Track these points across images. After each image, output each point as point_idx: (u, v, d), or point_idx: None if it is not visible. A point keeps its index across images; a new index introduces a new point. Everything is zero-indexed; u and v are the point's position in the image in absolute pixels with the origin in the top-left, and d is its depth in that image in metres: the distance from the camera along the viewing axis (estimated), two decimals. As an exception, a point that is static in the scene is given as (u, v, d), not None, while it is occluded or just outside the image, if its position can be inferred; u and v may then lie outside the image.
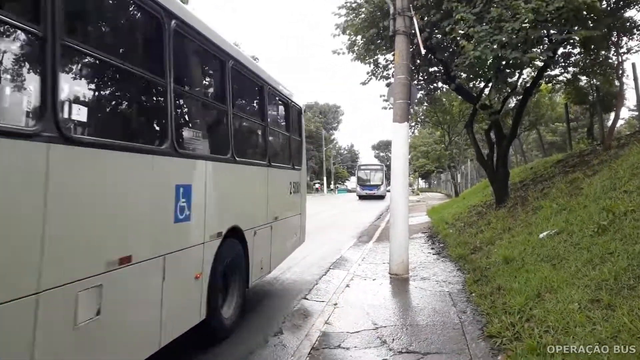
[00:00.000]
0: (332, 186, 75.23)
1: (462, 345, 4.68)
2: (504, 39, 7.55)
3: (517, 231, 8.41)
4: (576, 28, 8.39)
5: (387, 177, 42.83)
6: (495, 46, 7.70)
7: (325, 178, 73.31)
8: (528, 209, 9.46)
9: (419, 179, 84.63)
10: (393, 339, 4.97)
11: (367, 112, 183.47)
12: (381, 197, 42.63)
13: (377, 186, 45.23)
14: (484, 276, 6.86)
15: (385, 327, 5.40)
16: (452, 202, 22.93)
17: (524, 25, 7.51)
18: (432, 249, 10.98)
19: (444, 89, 13.37)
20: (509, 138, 12.02)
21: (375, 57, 11.45)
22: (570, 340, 3.91)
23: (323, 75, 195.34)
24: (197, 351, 4.80)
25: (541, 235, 7.12)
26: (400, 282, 7.74)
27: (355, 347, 4.82)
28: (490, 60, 8.12)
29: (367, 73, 11.93)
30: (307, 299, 7.12)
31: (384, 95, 11.62)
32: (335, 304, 6.44)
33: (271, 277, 8.54)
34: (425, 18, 9.08)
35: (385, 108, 11.95)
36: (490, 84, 10.60)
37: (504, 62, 9.21)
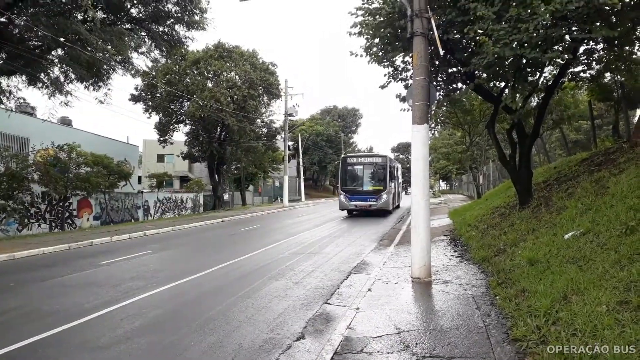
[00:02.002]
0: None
1: (487, 349, 4.61)
2: (523, 38, 7.44)
3: (541, 232, 8.26)
4: (598, 23, 8.21)
5: (397, 178, 30.08)
6: (514, 45, 7.59)
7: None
8: (552, 209, 9.28)
9: (440, 180, 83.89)
10: (416, 343, 4.92)
11: (386, 114, 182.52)
12: (385, 212, 25.14)
13: (375, 194, 24.60)
14: (508, 279, 6.75)
15: (408, 331, 5.35)
16: (474, 204, 22.64)
17: (543, 23, 7.39)
18: (454, 251, 10.85)
19: (464, 89, 13.20)
20: (531, 137, 11.83)
21: (393, 59, 11.36)
22: (598, 343, 3.81)
23: (342, 79, 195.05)
24: None
25: (566, 236, 6.97)
26: (422, 286, 7.67)
27: (378, 351, 4.79)
28: (509, 60, 8.00)
29: (385, 75, 11.82)
30: (328, 303, 7.10)
31: (400, 95, 11.52)
32: (357, 309, 6.41)
33: (293, 282, 8.56)
34: (443, 18, 9.01)
35: (403, 110, 11.85)
36: (510, 84, 10.43)
37: (524, 61, 9.09)
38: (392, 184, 26.12)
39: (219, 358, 4.88)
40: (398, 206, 31.17)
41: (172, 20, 20.53)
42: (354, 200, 24.50)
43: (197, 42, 34.77)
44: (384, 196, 24.23)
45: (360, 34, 10.76)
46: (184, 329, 5.87)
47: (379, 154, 27.78)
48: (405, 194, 55.20)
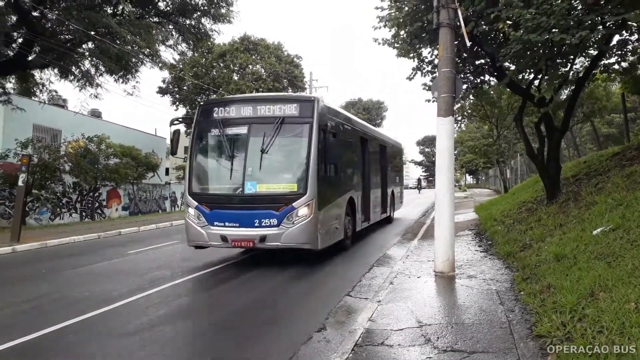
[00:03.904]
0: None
1: (510, 345, 4.55)
2: (551, 22, 7.24)
3: (569, 227, 8.08)
4: (633, 14, 7.94)
5: (371, 162, 14.75)
6: (541, 30, 7.39)
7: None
8: (581, 204, 9.07)
9: (466, 174, 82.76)
10: (438, 337, 4.89)
11: (411, 107, 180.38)
12: (309, 251, 9.23)
13: (276, 206, 8.93)
14: (534, 274, 6.63)
15: (429, 325, 5.32)
16: (501, 199, 22.28)
17: (576, 9, 7.19)
18: (479, 246, 10.72)
19: (492, 82, 12.95)
20: (560, 130, 11.55)
21: (419, 51, 11.25)
22: (625, 341, 3.73)
23: (367, 72, 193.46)
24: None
25: (595, 232, 6.81)
26: (445, 280, 7.60)
27: (399, 344, 4.78)
28: (540, 49, 7.79)
29: (413, 69, 11.73)
30: (350, 295, 7.12)
31: (425, 85, 11.37)
32: (379, 301, 6.40)
33: (314, 274, 8.60)
34: (470, 8, 8.84)
35: (428, 101, 11.74)
36: (539, 75, 10.20)
37: (555, 51, 8.85)
38: (342, 177, 11.06)
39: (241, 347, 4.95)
40: (389, 219, 17.58)
41: (198, 13, 20.73)
42: (218, 224, 9.32)
43: (224, 34, 35.10)
44: (303, 212, 9.01)
45: (385, 25, 10.67)
46: (208, 319, 5.98)
47: (290, 97, 13.16)
48: (419, 191, 49.06)
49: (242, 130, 9.53)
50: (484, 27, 9.27)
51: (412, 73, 11.78)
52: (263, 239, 8.77)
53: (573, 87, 11.84)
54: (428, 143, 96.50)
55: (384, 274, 8.50)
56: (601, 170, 11.56)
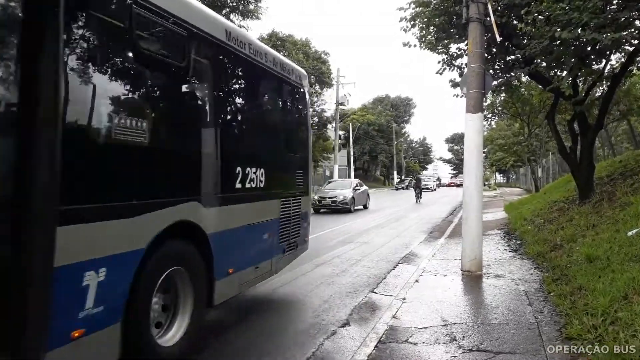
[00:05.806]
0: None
1: (538, 346, 4.44)
2: (583, 19, 7.02)
3: (602, 228, 7.85)
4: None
5: None
6: (572, 27, 7.18)
7: (395, 172, 72.30)
8: (615, 204, 8.80)
9: (496, 173, 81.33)
10: (463, 337, 4.83)
11: (441, 105, 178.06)
12: None
13: None
14: (564, 275, 6.47)
15: (455, 324, 5.25)
16: (532, 198, 21.82)
17: (612, 3, 6.97)
18: (508, 245, 10.52)
19: (518, 75, 12.65)
20: (594, 129, 11.23)
21: (447, 46, 11.09)
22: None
23: (396, 68, 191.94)
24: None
25: (630, 233, 6.59)
26: (472, 279, 7.49)
27: (423, 342, 4.73)
28: (571, 46, 7.59)
29: (439, 62, 11.56)
30: (375, 292, 7.07)
31: (452, 81, 11.19)
32: (404, 299, 6.35)
33: (340, 270, 8.59)
34: (501, 2, 8.67)
35: (456, 96, 11.53)
36: (571, 72, 9.93)
37: (588, 48, 8.61)
38: None
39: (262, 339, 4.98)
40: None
41: (227, 9, 20.95)
42: None
43: (252, 31, 35.03)
44: None
45: (413, 25, 10.58)
46: (232, 311, 6.03)
47: None
48: (418, 199, 29.03)
49: None
50: (514, 22, 9.09)
51: (441, 68, 11.62)
52: None
53: (608, 84, 11.48)
54: (457, 140, 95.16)
55: (409, 271, 8.42)
56: (637, 169, 11.19)
